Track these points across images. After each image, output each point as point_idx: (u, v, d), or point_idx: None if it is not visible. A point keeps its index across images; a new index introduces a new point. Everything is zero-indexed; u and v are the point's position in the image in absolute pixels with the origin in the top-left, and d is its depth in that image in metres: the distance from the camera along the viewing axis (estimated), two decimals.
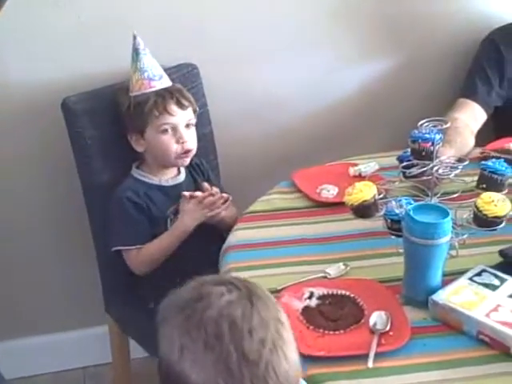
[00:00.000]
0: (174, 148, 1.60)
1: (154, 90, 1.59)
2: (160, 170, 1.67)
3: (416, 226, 1.15)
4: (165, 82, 1.62)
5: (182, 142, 1.60)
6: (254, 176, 1.87)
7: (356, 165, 1.66)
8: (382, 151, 1.73)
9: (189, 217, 1.60)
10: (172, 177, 1.69)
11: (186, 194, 1.60)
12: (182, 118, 1.60)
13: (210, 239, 1.66)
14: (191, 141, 1.63)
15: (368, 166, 1.64)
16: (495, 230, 1.27)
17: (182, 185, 1.69)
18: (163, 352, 0.82)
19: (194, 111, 1.65)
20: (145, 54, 1.61)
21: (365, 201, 1.31)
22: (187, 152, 1.62)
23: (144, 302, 1.69)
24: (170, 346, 0.81)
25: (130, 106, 1.60)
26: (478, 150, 1.68)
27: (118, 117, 1.65)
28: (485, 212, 1.25)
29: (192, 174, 1.73)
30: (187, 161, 1.65)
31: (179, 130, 1.60)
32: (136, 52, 1.61)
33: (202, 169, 1.74)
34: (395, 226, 1.28)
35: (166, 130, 1.59)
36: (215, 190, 1.63)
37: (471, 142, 1.71)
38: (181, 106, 1.60)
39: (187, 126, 1.62)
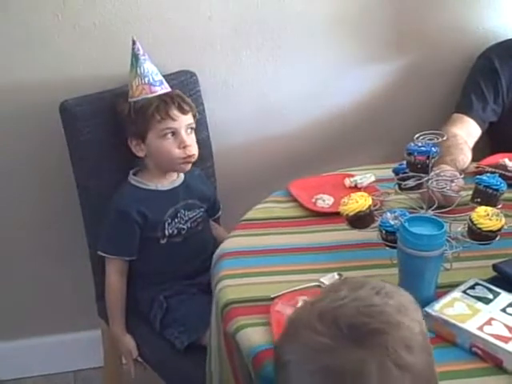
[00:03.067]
0: (177, 153, 1.61)
1: (155, 95, 1.60)
2: (159, 175, 1.68)
3: (410, 237, 1.16)
4: (165, 88, 1.64)
5: (184, 147, 1.61)
6: (249, 184, 1.89)
7: (352, 176, 1.67)
8: (378, 163, 1.74)
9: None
10: (168, 183, 1.69)
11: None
12: (183, 122, 1.61)
13: (204, 247, 1.69)
14: (193, 146, 1.64)
15: (364, 177, 1.65)
16: (489, 243, 1.28)
17: (179, 189, 1.70)
18: None
19: (194, 116, 1.66)
20: (144, 59, 1.63)
21: (360, 211, 1.32)
22: (189, 157, 1.63)
23: (138, 306, 1.70)
24: None
25: (130, 111, 1.61)
26: (473, 165, 1.69)
27: (117, 122, 1.66)
28: (479, 226, 1.26)
29: (193, 181, 1.73)
30: (189, 166, 1.66)
31: (181, 134, 1.61)
32: (136, 57, 1.62)
33: (203, 179, 1.77)
34: (390, 237, 1.28)
35: (167, 135, 1.60)
36: None
37: (470, 158, 1.73)
38: (182, 110, 1.61)
39: (188, 130, 1.63)
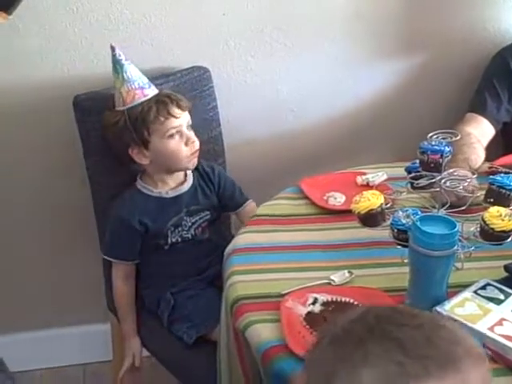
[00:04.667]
0: (184, 151, 1.60)
1: (147, 98, 1.58)
2: (164, 178, 1.66)
3: (422, 236, 1.15)
4: (154, 89, 1.62)
5: (192, 143, 1.60)
6: (261, 181, 1.88)
7: (364, 174, 1.66)
8: (390, 161, 1.74)
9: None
10: (174, 187, 1.67)
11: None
12: (184, 119, 1.61)
13: (212, 250, 1.68)
14: (196, 140, 1.63)
15: (376, 175, 1.64)
16: (501, 244, 1.28)
17: (184, 196, 1.67)
18: None
19: (189, 111, 1.64)
20: (129, 63, 1.60)
21: (372, 209, 1.31)
22: (196, 152, 1.62)
23: (146, 302, 1.70)
24: None
25: (126, 120, 1.57)
26: (487, 165, 1.68)
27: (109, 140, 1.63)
28: (492, 226, 1.25)
29: (200, 183, 1.71)
30: (196, 161, 1.65)
31: (185, 132, 1.60)
32: (119, 64, 1.59)
33: (211, 178, 1.73)
34: (401, 235, 1.28)
35: (172, 135, 1.58)
36: None
37: (483, 157, 1.72)
38: (181, 107, 1.60)
39: (188, 127, 1.62)
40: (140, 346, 1.69)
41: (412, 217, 1.25)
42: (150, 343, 1.71)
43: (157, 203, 1.65)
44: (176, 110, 1.59)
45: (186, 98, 1.64)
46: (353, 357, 0.70)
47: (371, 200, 1.32)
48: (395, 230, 1.29)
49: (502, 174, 1.39)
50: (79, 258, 1.97)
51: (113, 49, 1.58)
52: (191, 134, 1.62)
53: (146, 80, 1.61)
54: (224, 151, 1.85)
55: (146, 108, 1.56)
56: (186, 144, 1.60)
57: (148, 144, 1.58)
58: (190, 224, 1.67)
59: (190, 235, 1.67)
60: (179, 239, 1.66)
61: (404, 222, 1.26)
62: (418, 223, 1.17)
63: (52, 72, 1.75)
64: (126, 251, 1.67)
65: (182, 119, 1.60)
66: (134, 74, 1.59)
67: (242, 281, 1.31)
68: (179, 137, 1.60)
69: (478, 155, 1.67)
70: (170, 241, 1.66)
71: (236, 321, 1.23)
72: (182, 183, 1.69)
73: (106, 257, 1.70)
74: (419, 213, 1.28)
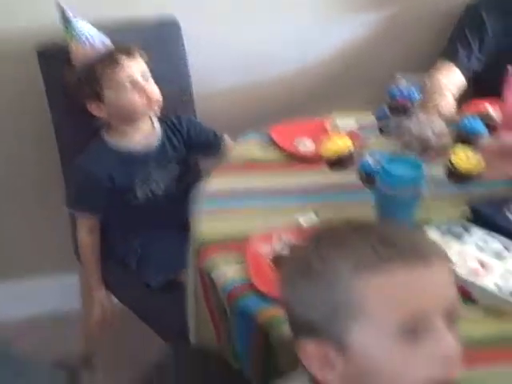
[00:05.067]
0: (139, 101, 1.57)
1: (98, 51, 1.55)
2: (128, 131, 1.63)
3: (389, 178, 1.16)
4: (106, 41, 1.59)
5: (145, 92, 1.56)
6: (231, 130, 1.86)
7: (334, 120, 1.65)
8: (362, 109, 1.73)
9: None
10: (141, 141, 1.64)
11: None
12: (135, 69, 1.57)
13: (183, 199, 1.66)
14: (154, 91, 1.59)
15: (346, 122, 1.64)
16: (467, 185, 1.29)
17: (153, 150, 1.65)
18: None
19: (147, 64, 1.60)
20: (76, 20, 1.56)
21: (340, 153, 1.31)
22: (152, 102, 1.58)
23: (113, 250, 1.70)
24: None
25: (79, 75, 1.55)
26: (457, 112, 1.68)
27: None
28: (458, 167, 1.26)
29: (168, 135, 1.69)
30: (156, 110, 1.61)
31: (138, 81, 1.56)
32: (67, 21, 1.55)
33: (178, 128, 1.71)
34: (369, 179, 1.28)
35: (124, 86, 1.55)
36: None
37: (453, 105, 1.72)
38: (132, 56, 1.56)
39: (144, 77, 1.58)
40: (108, 297, 1.69)
41: (379, 159, 1.25)
42: (119, 291, 1.71)
43: (125, 158, 1.63)
44: (125, 60, 1.55)
45: (149, 48, 1.61)
46: (330, 247, 0.74)
47: (339, 144, 1.31)
48: (363, 174, 1.29)
49: (470, 118, 1.40)
50: (49, 210, 1.95)
51: (59, 5, 1.54)
52: (148, 85, 1.58)
53: (94, 32, 1.58)
54: (194, 102, 1.83)
55: (95, 61, 1.54)
56: (141, 94, 1.56)
57: (102, 97, 1.56)
58: (159, 179, 1.66)
59: (160, 191, 1.66)
60: (149, 194, 1.65)
61: (372, 165, 1.26)
62: (385, 165, 1.17)
63: (14, 23, 1.70)
64: (90, 205, 1.65)
65: (133, 68, 1.56)
66: (82, 29, 1.56)
67: (209, 224, 1.31)
68: (132, 87, 1.56)
69: (448, 103, 1.67)
70: (138, 196, 1.64)
71: (202, 262, 1.23)
72: (150, 137, 1.66)
73: (70, 209, 1.68)
74: (386, 154, 1.28)
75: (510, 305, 1.04)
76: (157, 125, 1.68)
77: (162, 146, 1.67)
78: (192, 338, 1.37)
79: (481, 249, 1.15)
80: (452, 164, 1.28)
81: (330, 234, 0.77)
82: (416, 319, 0.70)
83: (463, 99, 1.80)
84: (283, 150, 1.56)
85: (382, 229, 0.75)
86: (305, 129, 1.63)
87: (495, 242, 1.17)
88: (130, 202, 1.64)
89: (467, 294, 1.09)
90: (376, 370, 0.71)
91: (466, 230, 1.20)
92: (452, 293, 0.74)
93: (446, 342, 0.71)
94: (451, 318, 0.74)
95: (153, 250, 1.64)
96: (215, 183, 1.44)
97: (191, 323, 1.38)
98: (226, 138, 1.76)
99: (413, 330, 0.70)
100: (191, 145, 1.73)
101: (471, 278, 1.08)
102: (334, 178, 1.39)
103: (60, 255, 1.95)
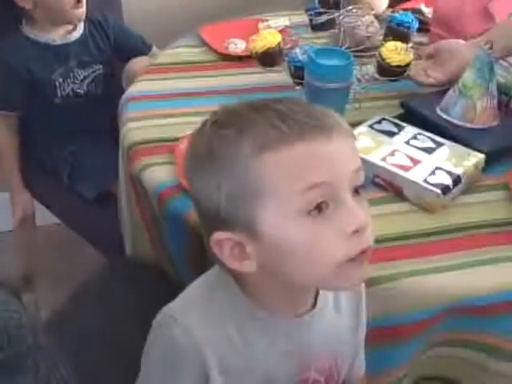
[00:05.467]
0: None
1: None
2: (51, 27, 1.56)
3: (318, 68, 1.13)
4: None
5: None
6: (161, 31, 1.79)
7: (266, 20, 1.60)
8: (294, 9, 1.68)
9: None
10: (63, 34, 1.58)
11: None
12: None
13: (108, 102, 1.57)
14: None
15: (278, 20, 1.59)
16: (397, 80, 1.27)
17: (73, 45, 1.59)
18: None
19: None
20: None
21: (269, 48, 1.28)
22: (80, 1, 1.51)
23: (44, 165, 1.64)
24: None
25: None
26: (389, 10, 1.65)
27: None
28: (388, 60, 1.25)
29: (92, 33, 1.62)
30: (82, 13, 1.54)
31: None
32: None
33: (103, 26, 1.63)
34: (298, 73, 1.25)
35: None
36: None
37: (386, 3, 1.68)
38: None
39: None
40: (30, 199, 1.66)
41: (309, 53, 1.22)
42: (52, 204, 1.67)
43: (43, 50, 1.56)
44: None
45: None
46: (232, 129, 0.70)
47: (268, 38, 1.28)
48: (292, 68, 1.26)
49: (401, 12, 1.37)
50: None
51: None
52: None
53: None
54: (120, 1, 1.74)
55: None
56: None
57: None
58: (81, 77, 1.59)
59: (82, 90, 1.60)
60: (71, 93, 1.59)
61: (301, 58, 1.24)
62: (313, 56, 1.14)
63: None
64: (9, 99, 1.58)
65: None
66: None
67: (137, 127, 1.27)
68: None
69: (382, 0, 1.64)
70: (59, 93, 1.58)
71: (132, 166, 1.20)
72: (71, 32, 1.59)
73: None
74: (315, 48, 1.25)
75: (437, 198, 1.05)
76: (79, 25, 1.60)
77: (84, 40, 1.60)
78: (128, 250, 1.36)
79: (411, 145, 1.15)
80: (382, 57, 1.26)
81: (229, 116, 0.74)
82: (320, 192, 0.68)
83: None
84: (214, 50, 1.52)
85: (281, 105, 0.71)
86: (236, 29, 1.58)
87: (426, 139, 1.17)
88: (52, 100, 1.58)
89: (398, 189, 1.09)
90: (289, 251, 0.70)
91: (398, 128, 1.20)
92: (356, 166, 0.72)
93: (355, 216, 0.69)
94: (357, 192, 0.72)
95: (83, 162, 1.59)
96: (143, 85, 1.40)
97: (127, 234, 1.36)
98: (155, 49, 1.69)
99: (319, 206, 0.68)
100: (118, 49, 1.66)
101: (401, 173, 1.09)
102: (267, 78, 1.36)
103: None
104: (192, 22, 1.78)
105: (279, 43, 1.28)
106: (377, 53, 1.27)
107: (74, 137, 1.60)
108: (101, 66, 1.62)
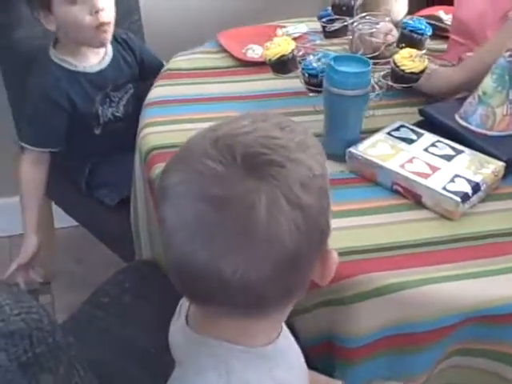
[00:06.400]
0: (87, 20, 1.40)
1: None
2: (80, 51, 1.50)
3: (336, 75, 1.13)
4: None
5: (96, 12, 1.39)
6: (180, 37, 1.79)
7: (284, 27, 1.61)
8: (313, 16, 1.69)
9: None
10: (97, 63, 1.53)
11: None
12: None
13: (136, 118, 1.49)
14: (107, 10, 1.42)
15: (296, 27, 1.59)
16: (411, 86, 1.27)
17: (108, 69, 1.53)
18: None
19: None
20: None
21: (283, 55, 1.27)
22: (103, 24, 1.42)
23: (64, 173, 1.63)
24: None
25: None
26: (408, 17, 1.65)
27: None
28: (402, 67, 1.24)
29: (120, 52, 1.58)
30: (107, 37, 1.45)
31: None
32: None
33: (130, 44, 1.59)
34: (312, 81, 1.25)
35: (74, 1, 1.39)
36: None
37: (406, 10, 1.68)
38: None
39: None
40: (35, 244, 1.52)
41: (323, 60, 1.22)
42: (71, 208, 1.68)
43: (81, 78, 1.50)
44: None
45: None
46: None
47: (282, 46, 1.27)
48: (306, 75, 1.26)
49: (415, 18, 1.36)
50: None
51: None
52: (101, 2, 1.41)
53: None
54: (139, 7, 1.75)
55: None
56: (91, 13, 1.41)
57: (51, 7, 1.42)
58: (117, 100, 1.55)
59: (120, 113, 1.56)
60: (111, 118, 1.54)
61: (315, 65, 1.23)
62: (332, 63, 1.14)
63: None
64: (51, 136, 1.48)
65: None
66: None
67: (155, 132, 1.28)
68: (83, 3, 1.40)
69: (401, 6, 1.63)
70: (101, 121, 1.53)
71: (150, 170, 1.20)
72: (104, 56, 1.54)
73: (26, 145, 1.50)
74: (331, 56, 1.24)
75: (456, 206, 1.05)
76: (108, 50, 1.55)
77: (117, 63, 1.56)
78: (146, 254, 1.36)
79: (430, 153, 1.14)
80: (395, 63, 1.26)
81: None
82: None
83: (417, 5, 1.77)
84: (232, 56, 1.52)
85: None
86: (255, 34, 1.59)
87: (445, 147, 1.17)
88: (92, 131, 1.54)
89: (416, 196, 1.09)
90: None
91: (417, 135, 1.19)
92: None
93: None
94: None
95: (102, 171, 1.58)
96: (161, 90, 1.41)
97: (144, 239, 1.36)
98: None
99: None
100: (143, 69, 1.62)
101: (420, 180, 1.08)
102: (283, 84, 1.36)
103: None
104: (211, 28, 1.80)
105: (293, 50, 1.27)
106: (391, 60, 1.26)
107: (100, 154, 1.58)
108: (131, 85, 1.58)
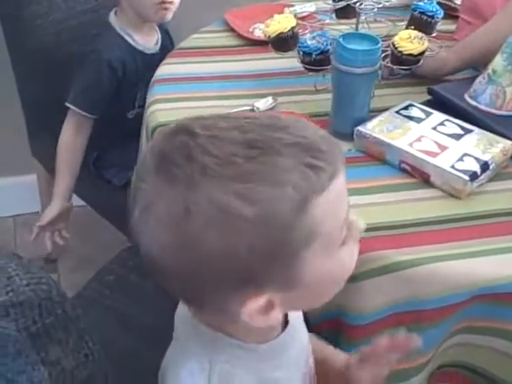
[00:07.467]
0: None
1: None
2: (140, 26, 1.50)
3: (345, 53, 1.12)
4: None
5: None
6: (186, 18, 1.79)
7: (292, 6, 1.60)
8: None
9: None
10: (152, 46, 1.54)
11: None
12: None
13: None
14: None
15: (304, 6, 1.58)
16: (409, 69, 1.26)
17: (157, 56, 1.52)
18: None
19: None
20: None
21: (282, 33, 1.25)
22: (165, 2, 1.42)
23: None
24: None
25: None
26: None
27: None
28: (400, 49, 1.22)
29: (165, 42, 1.58)
30: (168, 15, 1.45)
31: None
32: None
33: (171, 36, 1.61)
34: (306, 59, 1.24)
35: None
36: None
37: None
38: None
39: None
40: (58, 209, 1.53)
41: (318, 38, 1.21)
42: (78, 187, 1.67)
43: (138, 57, 1.50)
44: None
45: None
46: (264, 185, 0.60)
47: (281, 23, 1.26)
48: (301, 53, 1.24)
49: (426, 0, 1.35)
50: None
51: None
52: None
53: None
54: None
55: None
56: None
57: None
58: None
59: None
60: (142, 102, 1.48)
61: (309, 43, 1.22)
62: (341, 40, 1.13)
63: None
64: (95, 102, 1.47)
65: None
66: None
67: (163, 109, 1.27)
68: None
69: None
70: (137, 104, 1.52)
71: None
72: (153, 40, 1.55)
73: (72, 106, 1.48)
74: (328, 35, 1.23)
75: (465, 184, 1.04)
76: (157, 29, 1.57)
77: (163, 51, 1.54)
78: None
79: (439, 131, 1.14)
80: (394, 45, 1.24)
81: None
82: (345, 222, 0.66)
83: None
84: (239, 35, 1.51)
85: (297, 136, 0.62)
86: (262, 13, 1.56)
87: (454, 126, 1.16)
88: (128, 111, 1.54)
89: (425, 175, 1.08)
90: (325, 285, 0.67)
91: (426, 114, 1.18)
92: None
93: (357, 230, 0.70)
94: None
95: (111, 152, 1.57)
96: (169, 69, 1.40)
97: None
98: None
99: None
100: None
101: (428, 159, 1.07)
102: (290, 63, 1.35)
103: (18, 157, 1.86)
104: (219, 6, 1.78)
105: (292, 28, 1.26)
106: (390, 42, 1.24)
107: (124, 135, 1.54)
108: None
